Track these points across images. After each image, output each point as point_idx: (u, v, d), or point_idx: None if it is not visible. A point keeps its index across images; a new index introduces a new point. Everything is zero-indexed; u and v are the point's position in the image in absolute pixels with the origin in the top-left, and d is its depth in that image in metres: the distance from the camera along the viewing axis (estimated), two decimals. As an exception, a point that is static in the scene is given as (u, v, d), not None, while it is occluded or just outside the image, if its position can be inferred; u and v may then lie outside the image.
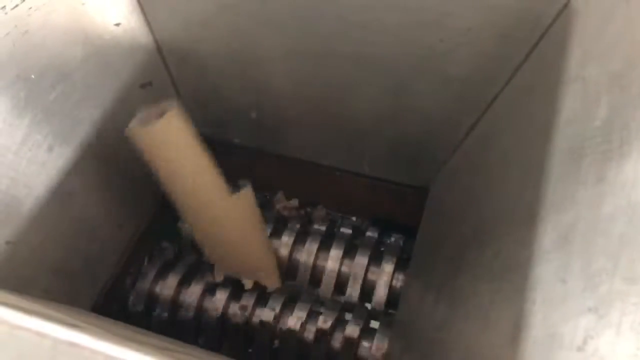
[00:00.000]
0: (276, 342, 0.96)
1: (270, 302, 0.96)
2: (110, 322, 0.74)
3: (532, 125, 0.66)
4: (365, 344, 0.92)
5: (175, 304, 0.99)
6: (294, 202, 1.13)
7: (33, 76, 0.75)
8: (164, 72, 0.96)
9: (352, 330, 0.93)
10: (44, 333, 0.35)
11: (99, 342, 0.33)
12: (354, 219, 1.14)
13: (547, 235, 0.52)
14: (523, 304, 0.51)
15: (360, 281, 1.00)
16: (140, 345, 0.34)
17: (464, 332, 0.61)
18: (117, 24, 0.86)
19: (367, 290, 1.00)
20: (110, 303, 0.94)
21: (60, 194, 0.80)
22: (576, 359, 0.41)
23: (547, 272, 0.50)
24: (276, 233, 1.05)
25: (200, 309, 0.99)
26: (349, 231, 1.10)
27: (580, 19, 0.63)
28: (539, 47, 0.71)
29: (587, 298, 0.43)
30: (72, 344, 0.34)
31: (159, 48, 0.92)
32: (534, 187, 0.58)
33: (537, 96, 0.68)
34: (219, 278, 1.00)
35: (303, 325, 0.94)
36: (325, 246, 1.03)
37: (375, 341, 0.92)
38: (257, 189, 1.19)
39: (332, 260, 1.02)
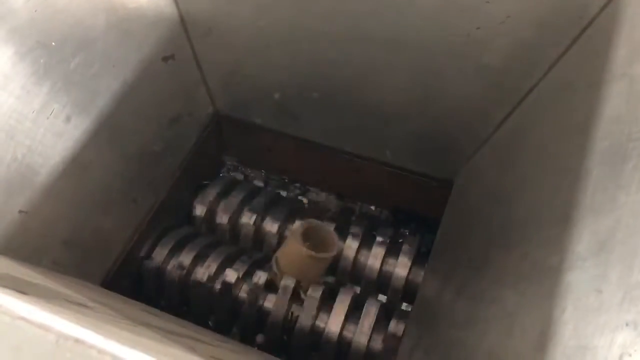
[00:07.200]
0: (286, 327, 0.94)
1: (280, 291, 0.94)
2: (119, 299, 0.72)
3: (570, 122, 0.62)
4: (377, 336, 0.90)
5: (186, 282, 0.98)
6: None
7: (54, 43, 0.73)
8: (187, 46, 0.94)
9: (366, 322, 0.91)
10: (48, 326, 0.32)
11: (106, 341, 0.30)
12: (372, 207, 1.11)
13: (583, 241, 0.49)
14: (552, 311, 0.48)
15: (376, 272, 0.98)
16: (147, 340, 0.32)
17: (486, 335, 0.58)
18: (142, -7, 0.83)
19: (383, 282, 0.98)
20: (121, 278, 0.93)
21: (76, 165, 0.78)
22: (611, 377, 0.38)
23: (581, 280, 0.47)
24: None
25: (212, 289, 0.97)
26: (367, 220, 1.07)
27: (629, 11, 0.59)
28: (582, 39, 0.67)
29: (626, 311, 0.40)
30: (78, 341, 0.31)
31: (183, 21, 0.90)
32: (570, 188, 0.55)
33: (577, 92, 0.65)
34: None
35: (314, 316, 0.92)
36: (341, 235, 1.01)
37: (388, 334, 0.89)
38: (275, 172, 1.18)
39: (348, 249, 0.99)
